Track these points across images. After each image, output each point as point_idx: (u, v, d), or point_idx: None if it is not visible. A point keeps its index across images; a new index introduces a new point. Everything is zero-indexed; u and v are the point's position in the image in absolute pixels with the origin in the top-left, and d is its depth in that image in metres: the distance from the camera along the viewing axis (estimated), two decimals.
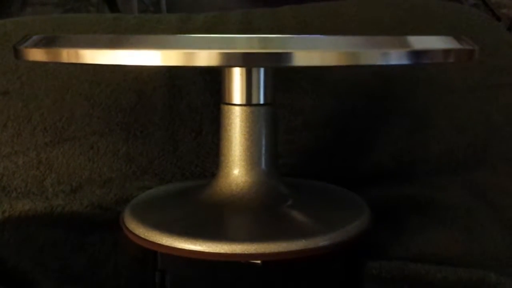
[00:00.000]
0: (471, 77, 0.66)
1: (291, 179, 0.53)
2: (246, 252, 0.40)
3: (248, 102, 0.46)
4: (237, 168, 0.47)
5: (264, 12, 0.72)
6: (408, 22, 0.68)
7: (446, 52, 0.38)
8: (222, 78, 0.47)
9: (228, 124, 0.47)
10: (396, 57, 0.35)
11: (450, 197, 0.54)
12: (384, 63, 0.35)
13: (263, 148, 0.47)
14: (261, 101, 0.47)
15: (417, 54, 0.36)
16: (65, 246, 0.48)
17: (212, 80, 0.64)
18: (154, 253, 0.44)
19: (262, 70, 0.46)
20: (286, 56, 0.33)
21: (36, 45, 0.38)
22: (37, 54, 0.37)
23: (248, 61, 0.34)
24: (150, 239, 0.42)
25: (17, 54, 0.39)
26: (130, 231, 0.44)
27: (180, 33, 0.66)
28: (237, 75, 0.46)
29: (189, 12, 0.72)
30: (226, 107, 0.47)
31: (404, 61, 0.35)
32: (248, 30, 0.67)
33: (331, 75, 0.64)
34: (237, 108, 0.46)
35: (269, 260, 0.40)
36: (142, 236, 0.43)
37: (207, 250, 0.40)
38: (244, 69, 0.46)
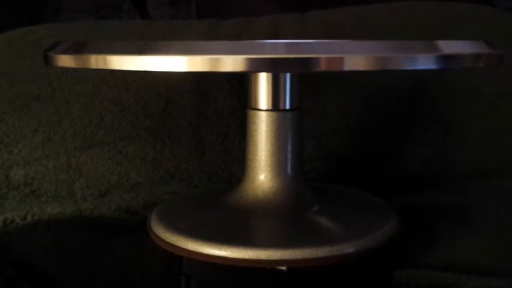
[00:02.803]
0: (503, 82, 0.65)
1: (317, 185, 0.53)
2: (271, 258, 0.39)
3: (275, 107, 0.46)
4: (262, 173, 0.47)
5: (292, 18, 0.71)
6: (437, 26, 0.67)
7: (476, 56, 0.37)
8: (248, 83, 0.47)
9: (254, 130, 0.47)
10: (423, 62, 0.34)
11: (482, 204, 0.53)
12: (411, 67, 0.34)
13: (289, 154, 0.47)
14: (287, 106, 0.46)
15: (445, 59, 0.35)
16: (93, 250, 0.48)
17: (239, 86, 0.64)
18: (180, 258, 0.44)
19: (288, 75, 0.46)
20: (311, 61, 0.33)
21: (65, 51, 0.38)
22: (66, 61, 0.38)
23: (273, 67, 0.34)
24: (176, 244, 0.42)
25: (47, 60, 0.40)
26: (157, 236, 0.44)
27: (209, 39, 0.67)
28: (263, 80, 0.46)
29: (219, 18, 0.73)
30: (252, 112, 0.47)
31: (432, 65, 0.35)
32: (276, 36, 0.67)
33: (359, 79, 0.64)
34: (263, 113, 0.46)
35: (295, 267, 0.40)
36: (168, 241, 0.43)
37: (232, 256, 0.40)
38: (270, 74, 0.46)
